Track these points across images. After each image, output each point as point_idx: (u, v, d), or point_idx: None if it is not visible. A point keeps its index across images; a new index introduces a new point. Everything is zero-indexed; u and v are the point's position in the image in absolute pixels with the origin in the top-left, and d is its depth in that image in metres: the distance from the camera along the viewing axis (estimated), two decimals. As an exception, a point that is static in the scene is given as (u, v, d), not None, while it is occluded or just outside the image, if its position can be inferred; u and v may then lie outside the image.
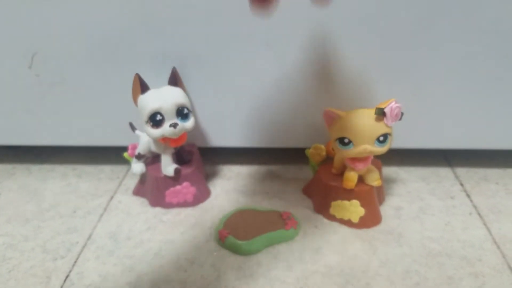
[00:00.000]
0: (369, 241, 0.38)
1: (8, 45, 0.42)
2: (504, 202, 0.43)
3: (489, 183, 0.46)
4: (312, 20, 0.39)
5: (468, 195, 0.44)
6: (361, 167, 0.38)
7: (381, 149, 0.37)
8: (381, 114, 0.35)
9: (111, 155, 0.54)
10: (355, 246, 0.38)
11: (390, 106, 0.35)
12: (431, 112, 0.43)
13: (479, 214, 0.42)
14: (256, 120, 0.46)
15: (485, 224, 0.40)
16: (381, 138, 0.36)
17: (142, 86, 0.40)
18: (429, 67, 0.41)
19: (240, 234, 0.39)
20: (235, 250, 0.38)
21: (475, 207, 0.43)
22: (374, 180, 0.39)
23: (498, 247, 0.37)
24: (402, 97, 0.42)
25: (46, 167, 0.54)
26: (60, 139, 0.49)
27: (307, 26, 0.39)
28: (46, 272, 0.37)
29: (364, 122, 0.36)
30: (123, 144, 0.47)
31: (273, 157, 0.54)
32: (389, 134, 0.36)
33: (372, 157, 0.39)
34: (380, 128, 0.36)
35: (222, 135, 0.48)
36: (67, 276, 0.36)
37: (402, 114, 0.36)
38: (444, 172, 0.49)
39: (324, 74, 0.42)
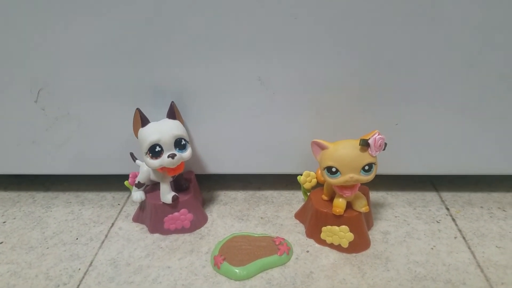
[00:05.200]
0: (358, 266, 0.40)
1: (16, 80, 0.45)
2: (488, 226, 0.45)
3: (473, 207, 0.48)
4: (301, 57, 0.42)
5: (453, 219, 0.46)
6: (349, 194, 0.40)
7: (367, 178, 0.39)
8: (365, 145, 0.38)
9: (113, 182, 0.57)
10: (344, 270, 0.40)
11: (374, 137, 0.38)
12: (417, 139, 0.46)
13: (463, 237, 0.43)
14: (250, 148, 0.49)
15: (469, 247, 0.42)
16: (366, 167, 0.38)
17: (142, 120, 0.42)
18: (411, 96, 0.43)
19: (235, 260, 0.41)
20: (230, 276, 0.40)
21: (460, 230, 0.44)
22: (361, 206, 0.41)
23: (482, 271, 0.39)
24: (389, 126, 0.45)
25: (50, 194, 0.56)
26: (63, 169, 0.52)
27: (297, 63, 0.42)
28: (49, 299, 0.39)
29: (349, 152, 0.38)
30: (124, 172, 0.49)
31: (267, 183, 0.56)
32: (374, 163, 0.39)
33: (359, 185, 0.41)
34: (365, 158, 0.38)
35: (218, 163, 0.50)
36: (69, 303, 0.38)
37: (385, 144, 0.39)
38: (430, 196, 0.51)
39: (312, 106, 0.45)
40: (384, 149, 0.39)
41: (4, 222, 0.50)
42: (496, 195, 0.50)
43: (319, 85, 0.44)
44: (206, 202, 0.52)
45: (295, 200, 0.52)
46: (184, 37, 0.42)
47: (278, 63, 0.43)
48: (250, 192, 0.54)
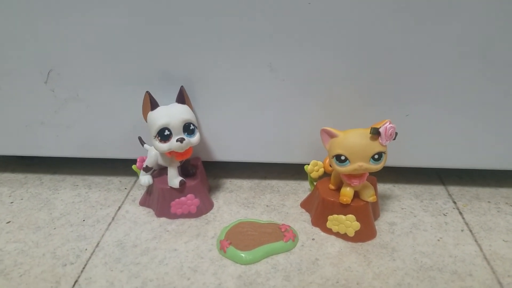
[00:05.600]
0: (364, 255, 0.40)
1: (26, 61, 0.46)
2: (495, 220, 0.45)
3: (480, 201, 0.48)
4: (313, 45, 0.42)
5: (460, 213, 0.46)
6: (357, 183, 0.40)
7: (376, 167, 0.39)
8: (376, 133, 0.38)
9: (120, 167, 0.57)
10: (350, 258, 0.40)
11: (385, 126, 0.37)
12: (425, 132, 0.46)
13: (470, 230, 0.43)
14: (258, 137, 0.49)
15: (476, 240, 0.42)
16: (376, 156, 0.38)
17: (152, 103, 0.43)
18: (424, 89, 0.43)
19: (241, 245, 0.41)
20: (236, 260, 0.40)
21: (467, 224, 0.44)
22: (369, 196, 0.41)
23: (488, 263, 0.39)
24: (399, 117, 0.44)
25: (57, 177, 0.57)
26: (71, 151, 0.52)
27: (308, 50, 0.42)
28: (56, 277, 0.39)
29: (360, 141, 0.38)
30: (132, 157, 0.50)
31: (273, 172, 0.56)
32: (384, 152, 0.39)
33: (367, 174, 0.41)
34: (375, 147, 0.38)
35: (225, 150, 0.50)
36: (75, 281, 0.38)
37: (396, 134, 0.38)
38: (437, 189, 0.51)
39: (323, 95, 0.45)
40: (394, 139, 0.38)
41: (11, 203, 0.51)
42: (503, 190, 0.50)
43: (329, 75, 0.43)
44: (212, 189, 0.53)
45: (301, 189, 0.52)
46: (196, 22, 0.42)
47: (290, 51, 0.42)
48: (256, 181, 0.54)
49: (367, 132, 0.38)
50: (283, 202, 0.49)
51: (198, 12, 0.41)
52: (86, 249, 0.42)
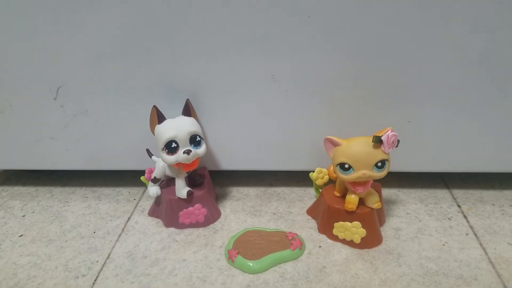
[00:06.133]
0: (370, 261, 0.41)
1: (36, 78, 0.47)
2: (500, 223, 0.45)
3: (485, 204, 0.49)
4: (314, 55, 0.43)
5: (464, 216, 0.47)
6: (361, 190, 0.41)
7: (379, 174, 0.39)
8: (378, 142, 0.38)
9: (128, 178, 0.58)
10: (357, 265, 0.40)
11: (387, 134, 0.38)
12: (427, 137, 0.46)
13: (475, 234, 0.44)
14: (263, 145, 0.49)
15: (481, 244, 0.42)
16: (379, 164, 0.39)
17: (158, 117, 0.44)
18: (425, 94, 0.44)
19: (249, 254, 0.41)
20: (244, 269, 0.40)
21: (471, 227, 0.45)
22: (374, 202, 0.42)
23: (494, 267, 0.39)
24: (401, 123, 0.45)
25: (67, 189, 0.58)
26: (81, 164, 0.53)
27: (310, 61, 0.43)
28: (69, 289, 0.40)
29: (363, 149, 0.39)
30: (140, 168, 0.51)
31: (279, 180, 0.57)
32: (387, 160, 0.39)
33: (372, 181, 0.41)
34: (378, 154, 0.39)
35: (231, 159, 0.51)
36: (88, 294, 0.39)
37: (398, 141, 0.39)
38: (442, 193, 0.51)
39: (325, 104, 0.46)
40: (397, 146, 0.39)
41: (23, 216, 0.52)
42: (508, 193, 0.50)
43: (332, 83, 0.44)
44: (219, 197, 0.53)
45: (307, 196, 0.52)
46: (199, 35, 0.43)
47: (292, 61, 0.43)
48: (262, 189, 0.55)
49: (369, 140, 0.39)
50: (290, 210, 0.50)
51: (202, 26, 0.42)
52: (97, 261, 0.43)
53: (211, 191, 0.51)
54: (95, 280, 0.41)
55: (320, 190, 0.47)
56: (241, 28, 0.42)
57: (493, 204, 0.49)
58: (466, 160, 0.47)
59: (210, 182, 0.51)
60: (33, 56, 0.45)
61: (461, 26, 0.40)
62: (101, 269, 0.42)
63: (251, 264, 0.40)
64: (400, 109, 0.45)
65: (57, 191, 0.58)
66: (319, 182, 0.47)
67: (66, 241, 0.47)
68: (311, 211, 0.49)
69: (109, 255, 0.44)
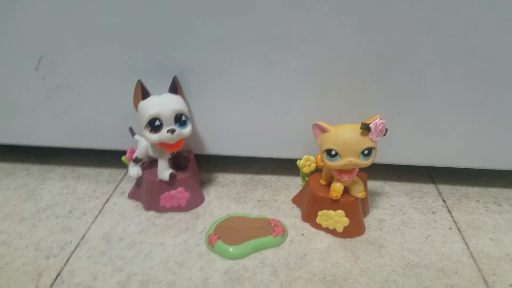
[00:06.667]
0: (352, 250, 0.40)
1: (17, 46, 0.45)
2: (483, 219, 0.45)
3: (470, 200, 0.49)
4: (308, 40, 0.42)
5: (449, 211, 0.46)
6: (346, 178, 0.40)
7: (366, 162, 0.39)
8: (366, 129, 0.37)
9: (110, 158, 0.56)
10: (338, 254, 0.40)
11: (375, 122, 0.37)
12: (417, 130, 0.46)
13: (458, 229, 0.43)
14: (252, 131, 0.48)
15: (463, 238, 0.42)
16: (366, 152, 0.38)
17: (143, 92, 0.42)
18: (415, 86, 0.43)
19: (229, 239, 0.40)
20: (224, 254, 0.39)
21: (455, 222, 0.45)
22: (358, 192, 0.41)
23: (475, 261, 0.39)
24: (391, 114, 0.45)
25: (46, 167, 0.56)
26: (61, 141, 0.51)
27: (303, 45, 0.42)
28: (38, 269, 0.38)
29: (350, 136, 0.38)
30: (123, 148, 0.49)
31: (267, 167, 0.56)
32: (374, 148, 0.39)
33: (357, 170, 0.41)
34: (365, 142, 0.38)
35: (218, 144, 0.50)
36: (58, 274, 0.37)
37: (386, 130, 0.38)
38: (428, 188, 0.51)
39: (316, 90, 0.45)
40: (384, 135, 0.38)
41: (-3, 192, 0.50)
42: (492, 190, 0.50)
43: (323, 70, 0.43)
44: (204, 183, 0.52)
45: (293, 185, 0.52)
46: (191, 11, 0.41)
47: (285, 44, 0.42)
48: (249, 176, 0.54)
49: (357, 127, 0.38)
50: (275, 198, 0.49)
51: (195, 3, 0.40)
52: (71, 242, 0.42)
53: (195, 175, 0.50)
54: (67, 261, 0.39)
55: (306, 178, 0.46)
56: (234, 6, 0.40)
57: (477, 201, 0.48)
58: (453, 155, 0.47)
59: (195, 166, 0.50)
60: (15, 23, 0.43)
61: (454, 20, 0.39)
62: (74, 250, 0.40)
63: (231, 249, 0.39)
64: (391, 100, 0.44)
65: (35, 168, 0.55)
66: (306, 170, 0.46)
67: (40, 220, 0.45)
68: (297, 200, 0.48)
69: (83, 236, 0.42)
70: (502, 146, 0.46)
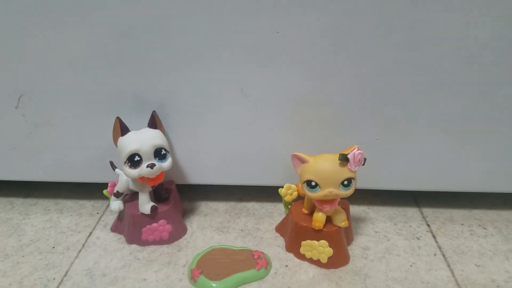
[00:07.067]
0: (336, 282, 0.40)
1: (-3, 85, 0.45)
2: (468, 243, 0.45)
3: (454, 224, 0.48)
4: (284, 71, 0.42)
5: (433, 236, 0.46)
6: (328, 208, 0.40)
7: (346, 192, 0.39)
8: (344, 160, 0.37)
9: (93, 190, 0.56)
10: (322, 286, 0.39)
11: (353, 153, 0.38)
12: (398, 154, 0.46)
13: (443, 255, 0.43)
14: (232, 159, 0.48)
15: (448, 265, 0.42)
16: (345, 182, 0.38)
17: (122, 128, 0.42)
18: (395, 112, 0.43)
19: (212, 274, 0.40)
20: (206, 290, 0.39)
21: (440, 247, 0.44)
22: (341, 221, 0.41)
23: (460, 289, 0.39)
24: (370, 141, 0.45)
25: (29, 201, 0.55)
26: (43, 175, 0.51)
27: (279, 76, 0.42)
28: (20, 309, 0.38)
29: (329, 167, 0.38)
30: (104, 181, 0.49)
31: (250, 194, 0.55)
32: (353, 178, 0.38)
33: (339, 199, 0.41)
34: (344, 172, 0.38)
35: (199, 173, 0.50)
36: (40, 314, 0.37)
37: (365, 159, 0.38)
38: (412, 212, 0.51)
39: (295, 119, 0.45)
40: (363, 164, 0.38)
41: (-20, 229, 0.49)
42: (477, 212, 0.50)
43: (301, 99, 0.44)
44: (186, 212, 0.52)
45: (277, 212, 0.51)
46: (167, 46, 0.41)
47: (261, 76, 0.42)
48: (232, 203, 0.54)
49: (336, 158, 0.38)
50: (258, 226, 0.49)
51: (170, 37, 0.41)
52: (54, 279, 0.41)
53: (178, 206, 0.49)
54: (50, 299, 0.39)
55: (289, 207, 0.46)
56: (210, 41, 0.41)
57: (462, 224, 0.48)
58: (436, 178, 0.47)
59: (177, 197, 0.49)
60: (-6, 62, 0.44)
61: (429, 46, 0.40)
62: (58, 287, 0.40)
63: (214, 284, 0.39)
64: (369, 127, 0.44)
65: (19, 202, 0.55)
66: (288, 198, 0.46)
67: (23, 256, 0.44)
68: (280, 228, 0.48)
69: (67, 272, 0.42)
70: (485, 168, 0.46)
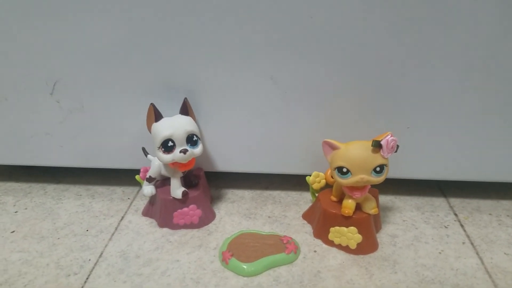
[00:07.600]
0: (366, 267, 0.40)
1: (33, 72, 0.46)
2: (496, 233, 0.45)
3: (482, 214, 0.48)
4: (314, 58, 0.42)
5: (461, 225, 0.46)
6: (358, 195, 0.41)
7: (378, 179, 0.39)
8: (377, 146, 0.38)
9: (123, 177, 0.57)
10: (352, 271, 0.40)
11: (386, 139, 0.38)
12: (426, 144, 0.46)
13: (472, 243, 0.43)
14: (260, 147, 0.49)
15: (477, 253, 0.42)
16: (378, 169, 0.39)
17: (156, 115, 0.43)
18: (425, 101, 0.43)
19: (243, 256, 0.41)
20: (238, 272, 0.40)
21: (468, 236, 0.44)
22: (371, 208, 0.42)
23: (490, 276, 0.39)
24: (400, 129, 0.45)
25: (61, 187, 0.57)
26: (76, 161, 0.52)
27: (309, 63, 0.43)
28: (60, 287, 0.39)
29: (362, 153, 0.38)
30: (135, 167, 0.50)
31: (275, 183, 0.56)
32: (386, 165, 0.39)
33: (369, 186, 0.41)
34: (377, 159, 0.38)
35: (227, 161, 0.51)
36: (79, 292, 0.38)
37: (397, 146, 0.39)
38: (439, 201, 0.51)
39: (325, 107, 0.45)
40: (396, 151, 0.39)
41: (16, 212, 0.51)
42: (505, 203, 0.50)
43: (331, 87, 0.44)
44: (214, 199, 0.53)
45: (303, 200, 0.52)
46: (199, 34, 0.42)
47: (292, 63, 0.43)
48: (258, 191, 0.55)
49: (368, 144, 0.38)
50: (285, 213, 0.49)
51: (202, 24, 0.42)
52: (89, 260, 0.42)
53: (206, 193, 0.50)
54: (87, 278, 0.40)
55: (317, 195, 0.47)
56: (241, 29, 0.42)
57: (490, 214, 0.48)
58: (464, 168, 0.47)
59: (205, 183, 0.50)
60: (31, 50, 0.45)
61: (461, 33, 0.40)
62: (93, 267, 0.41)
63: (245, 266, 0.40)
64: (400, 115, 0.45)
65: (51, 188, 0.57)
66: (316, 186, 0.46)
67: (59, 238, 0.46)
68: (307, 216, 0.48)
69: (101, 253, 0.43)
70: (513, 159, 0.46)
